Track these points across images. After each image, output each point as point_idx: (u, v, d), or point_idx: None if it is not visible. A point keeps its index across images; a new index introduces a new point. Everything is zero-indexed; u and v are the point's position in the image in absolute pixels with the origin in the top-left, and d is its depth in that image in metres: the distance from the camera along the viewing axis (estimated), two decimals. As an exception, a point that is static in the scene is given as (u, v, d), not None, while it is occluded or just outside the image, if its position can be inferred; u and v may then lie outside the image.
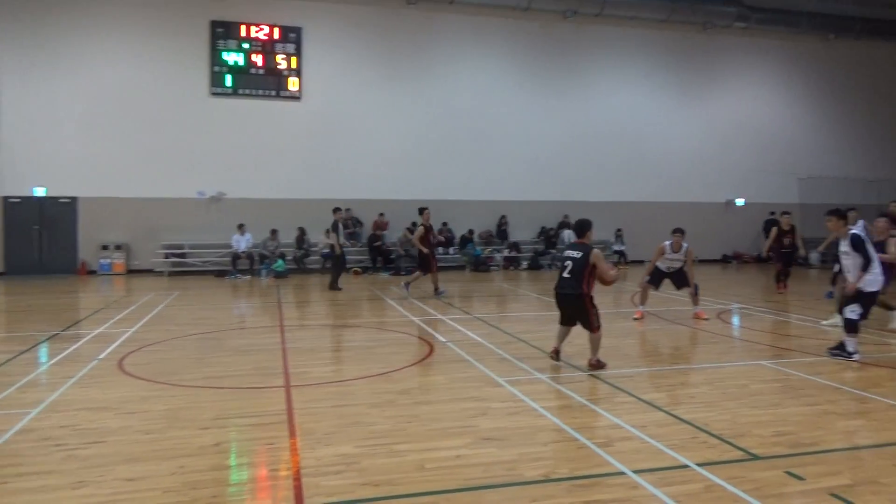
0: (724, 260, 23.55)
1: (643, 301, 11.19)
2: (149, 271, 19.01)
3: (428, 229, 13.52)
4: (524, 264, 21.00)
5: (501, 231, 21.48)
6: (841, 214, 8.12)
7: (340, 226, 15.21)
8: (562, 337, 7.59)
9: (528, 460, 4.55)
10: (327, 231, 19.39)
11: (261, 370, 7.25)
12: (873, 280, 7.64)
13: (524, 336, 9.23)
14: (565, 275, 7.27)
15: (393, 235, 20.37)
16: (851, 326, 7.73)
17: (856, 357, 7.69)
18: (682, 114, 23.24)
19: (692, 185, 23.19)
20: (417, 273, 13.80)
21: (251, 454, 4.87)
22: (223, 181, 19.60)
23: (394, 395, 6.19)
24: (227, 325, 10.41)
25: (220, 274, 18.55)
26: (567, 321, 7.49)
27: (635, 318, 10.85)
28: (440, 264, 20.03)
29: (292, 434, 5.09)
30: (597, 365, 7.20)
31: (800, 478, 4.27)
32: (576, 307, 7.26)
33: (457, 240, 20.84)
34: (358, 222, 20.44)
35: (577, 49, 22.14)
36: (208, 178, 19.51)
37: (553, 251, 20.85)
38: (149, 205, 19.15)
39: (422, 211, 13.67)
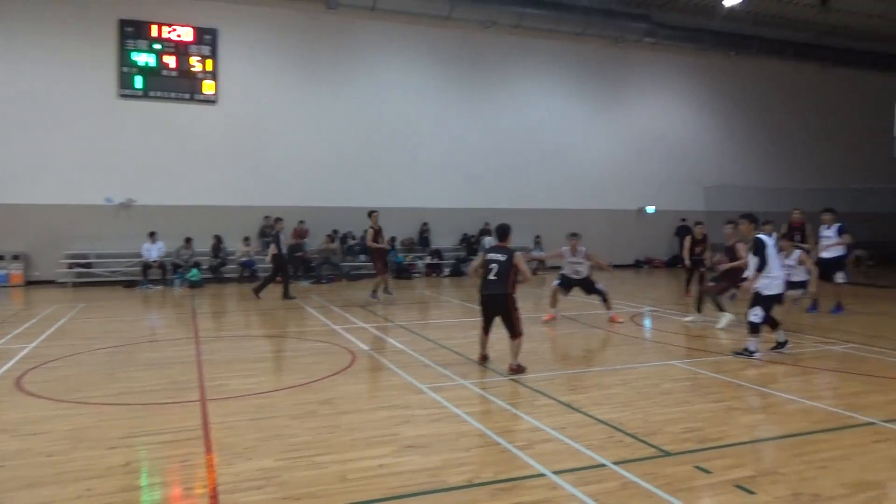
0: (637, 265, 24.51)
1: (553, 304, 11.47)
2: (51, 283, 17.89)
3: (377, 231, 13.62)
4: (446, 271, 21.15)
5: (423, 238, 21.56)
6: (752, 219, 8.66)
7: (281, 236, 14.96)
8: (485, 343, 7.82)
9: (452, 466, 4.58)
10: (246, 239, 18.94)
11: (174, 384, 6.96)
12: (770, 284, 8.16)
13: (446, 343, 9.28)
14: (491, 277, 7.46)
15: (314, 243, 20.05)
16: (753, 328, 8.23)
17: (757, 356, 8.18)
18: (598, 124, 24.08)
19: (607, 193, 24.04)
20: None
21: (164, 473, 4.67)
22: (133, 187, 18.74)
23: (315, 406, 6.09)
24: (137, 338, 9.94)
25: (130, 284, 17.70)
26: (489, 326, 7.70)
27: (545, 321, 11.13)
28: (363, 272, 19.94)
29: (208, 450, 4.91)
30: (517, 370, 7.34)
31: (707, 471, 4.49)
32: (501, 309, 7.48)
33: (379, 247, 20.74)
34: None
35: (498, 59, 22.57)
36: (117, 183, 18.60)
37: (474, 258, 21.08)
38: (51, 211, 18.05)
39: (370, 213, 13.76)
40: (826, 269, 11.98)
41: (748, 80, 26.18)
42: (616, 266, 23.79)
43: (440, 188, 21.71)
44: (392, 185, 21.14)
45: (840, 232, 12.03)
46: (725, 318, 10.53)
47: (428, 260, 21.13)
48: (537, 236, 22.33)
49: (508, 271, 7.41)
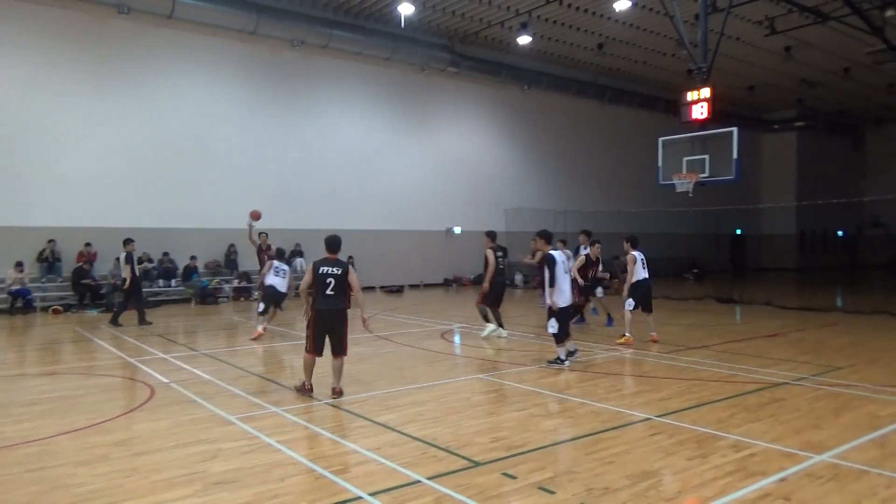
0: (446, 283, 25.50)
1: (271, 319, 12.14)
2: None
3: (262, 249, 13.45)
4: (255, 294, 20.29)
5: (230, 260, 20.53)
6: (545, 236, 9.32)
7: (134, 257, 13.74)
8: (312, 368, 7.31)
9: (264, 500, 4.40)
10: (18, 264, 16.64)
11: (-77, 438, 5.89)
12: (560, 297, 8.91)
13: (257, 369, 8.92)
14: (329, 292, 7.11)
15: (103, 268, 18.14)
16: (556, 339, 8.96)
17: (567, 364, 8.93)
18: (407, 147, 24.78)
19: (416, 214, 24.76)
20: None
21: (-90, 545, 3.93)
22: None
23: (107, 449, 5.50)
24: None
25: None
26: (322, 345, 7.19)
27: (253, 339, 11.55)
28: (161, 298, 18.44)
29: (-29, 512, 4.23)
30: (340, 392, 7.20)
31: (513, 477, 4.79)
32: (339, 325, 7.17)
33: (180, 270, 19.37)
34: (55, 256, 17.80)
35: (308, 78, 22.34)
36: None
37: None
38: None
39: (265, 236, 13.97)
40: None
41: (540, 112, 28.62)
42: (427, 285, 24.79)
43: (248, 208, 20.74)
44: (195, 204, 19.89)
45: None
46: (489, 329, 11.59)
47: (235, 283, 20.14)
48: (350, 257, 22.31)
49: (344, 285, 7.18)
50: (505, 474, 4.84)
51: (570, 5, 21.54)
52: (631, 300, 10.95)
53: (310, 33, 21.26)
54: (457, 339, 12.19)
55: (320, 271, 7.16)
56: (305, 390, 7.28)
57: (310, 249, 20.74)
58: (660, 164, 15.82)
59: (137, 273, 13.90)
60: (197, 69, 20.29)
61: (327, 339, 7.20)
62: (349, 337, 7.35)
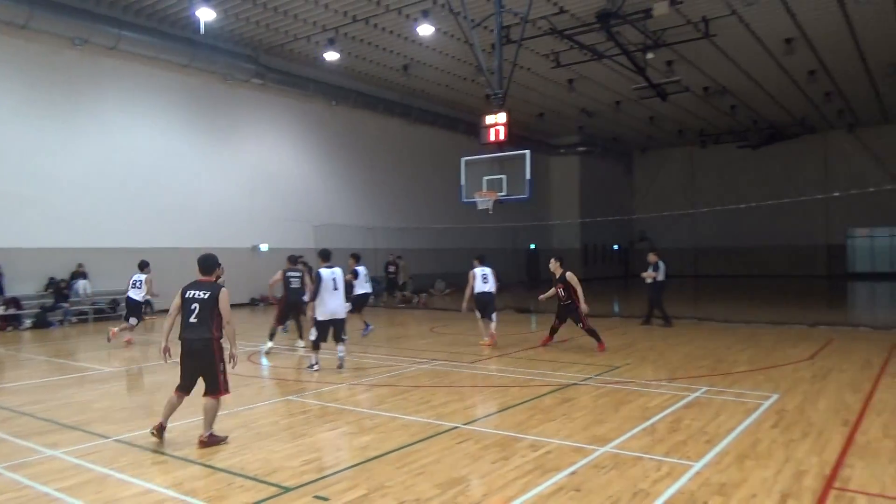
0: (252, 303, 24.46)
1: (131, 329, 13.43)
2: None
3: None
4: (27, 323, 17.82)
5: (-6, 284, 17.83)
6: (322, 254, 10.51)
7: None
8: (173, 408, 6.35)
9: (40, 556, 3.88)
10: None
11: None
12: (323, 311, 9.89)
13: (29, 408, 7.84)
14: (192, 319, 6.23)
15: None
16: (313, 345, 10.08)
17: (316, 367, 9.90)
18: (207, 161, 23.40)
19: (219, 231, 23.41)
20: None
21: None
22: None
23: None
24: None
25: None
26: (187, 385, 6.34)
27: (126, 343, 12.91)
28: None
29: None
30: (210, 441, 6.15)
31: (325, 499, 4.72)
32: (204, 357, 6.24)
33: (-74, 298, 16.41)
34: None
35: (93, 82, 20.16)
36: None
37: (65, 305, 18.26)
38: None
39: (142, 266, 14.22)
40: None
41: (349, 129, 28.70)
42: (232, 305, 23.51)
43: (17, 224, 18.23)
44: (-55, 220, 16.99)
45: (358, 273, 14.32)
46: (267, 346, 12.48)
47: (1, 310, 17.50)
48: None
49: (212, 311, 6.29)
50: (317, 497, 4.75)
51: (375, 25, 21.92)
52: (477, 311, 12.62)
53: (94, 32, 19.27)
54: (264, 360, 11.74)
55: (186, 295, 6.35)
56: (157, 428, 6.27)
57: (96, 270, 18.71)
58: (462, 182, 16.64)
59: None
60: (-52, 63, 17.42)
61: (199, 377, 6.32)
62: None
